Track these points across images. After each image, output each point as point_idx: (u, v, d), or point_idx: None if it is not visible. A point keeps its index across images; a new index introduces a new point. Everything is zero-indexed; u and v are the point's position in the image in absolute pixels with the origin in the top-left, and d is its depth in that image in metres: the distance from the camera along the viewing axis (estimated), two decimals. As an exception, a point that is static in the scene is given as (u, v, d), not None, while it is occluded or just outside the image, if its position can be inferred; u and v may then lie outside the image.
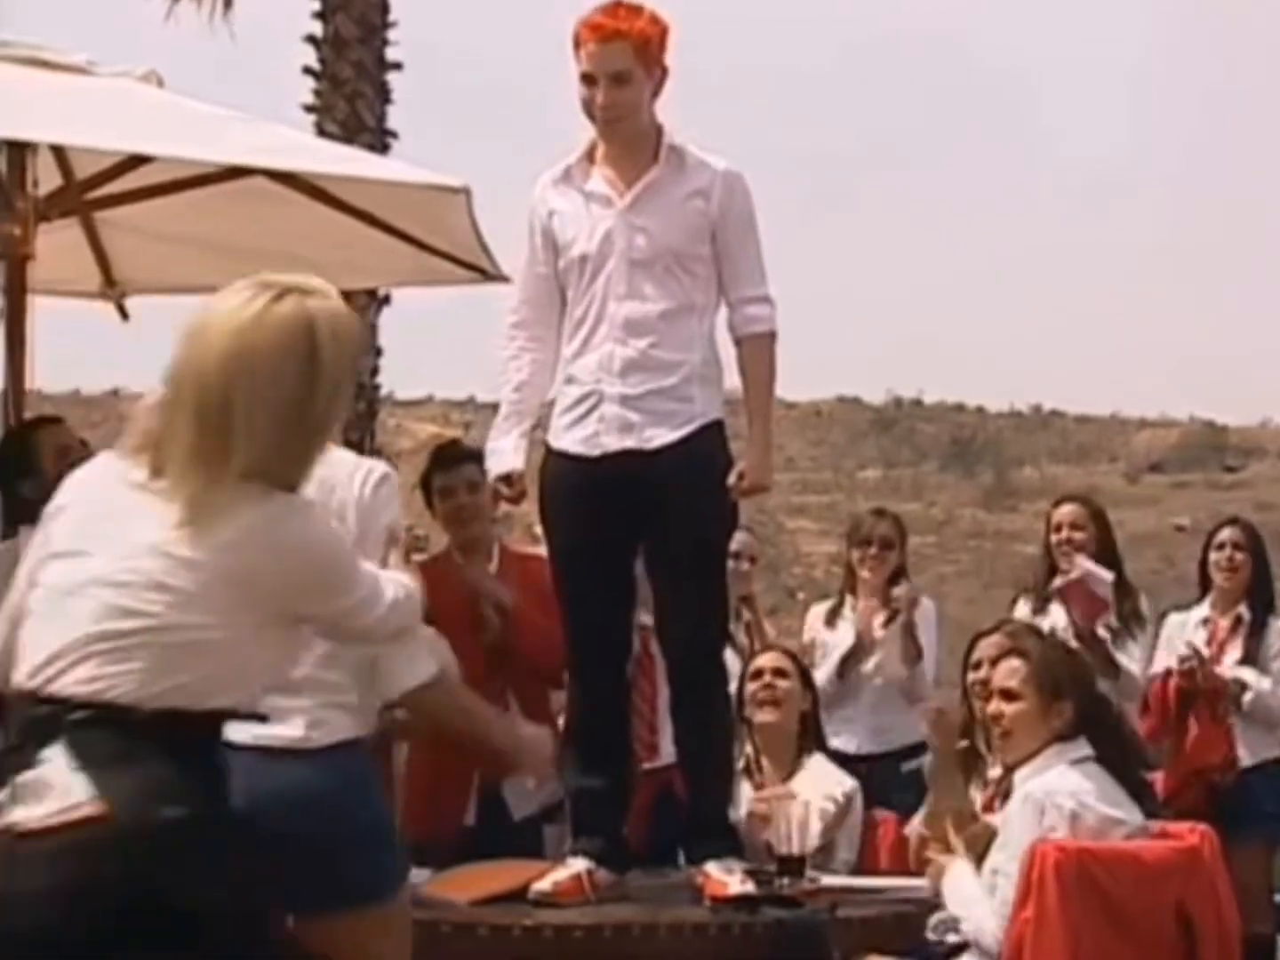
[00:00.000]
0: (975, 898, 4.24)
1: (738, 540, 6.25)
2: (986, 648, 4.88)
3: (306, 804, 3.13)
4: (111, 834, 2.60)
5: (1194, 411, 34.88)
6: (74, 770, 2.65)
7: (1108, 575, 6.01)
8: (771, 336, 4.44)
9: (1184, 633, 6.48)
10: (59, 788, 2.65)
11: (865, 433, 35.25)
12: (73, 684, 2.71)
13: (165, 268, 6.22)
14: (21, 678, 2.76)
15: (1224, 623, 6.42)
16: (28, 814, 2.64)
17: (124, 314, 6.37)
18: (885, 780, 5.82)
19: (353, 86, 11.72)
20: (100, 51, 5.53)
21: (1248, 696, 6.25)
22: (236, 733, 2.83)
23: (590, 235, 4.35)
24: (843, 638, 6.21)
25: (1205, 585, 6.49)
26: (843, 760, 5.65)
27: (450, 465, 5.24)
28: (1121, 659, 5.93)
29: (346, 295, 10.42)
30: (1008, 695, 4.31)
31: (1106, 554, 6.20)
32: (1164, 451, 33.18)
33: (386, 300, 11.56)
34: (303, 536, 2.83)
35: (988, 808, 4.62)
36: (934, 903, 4.37)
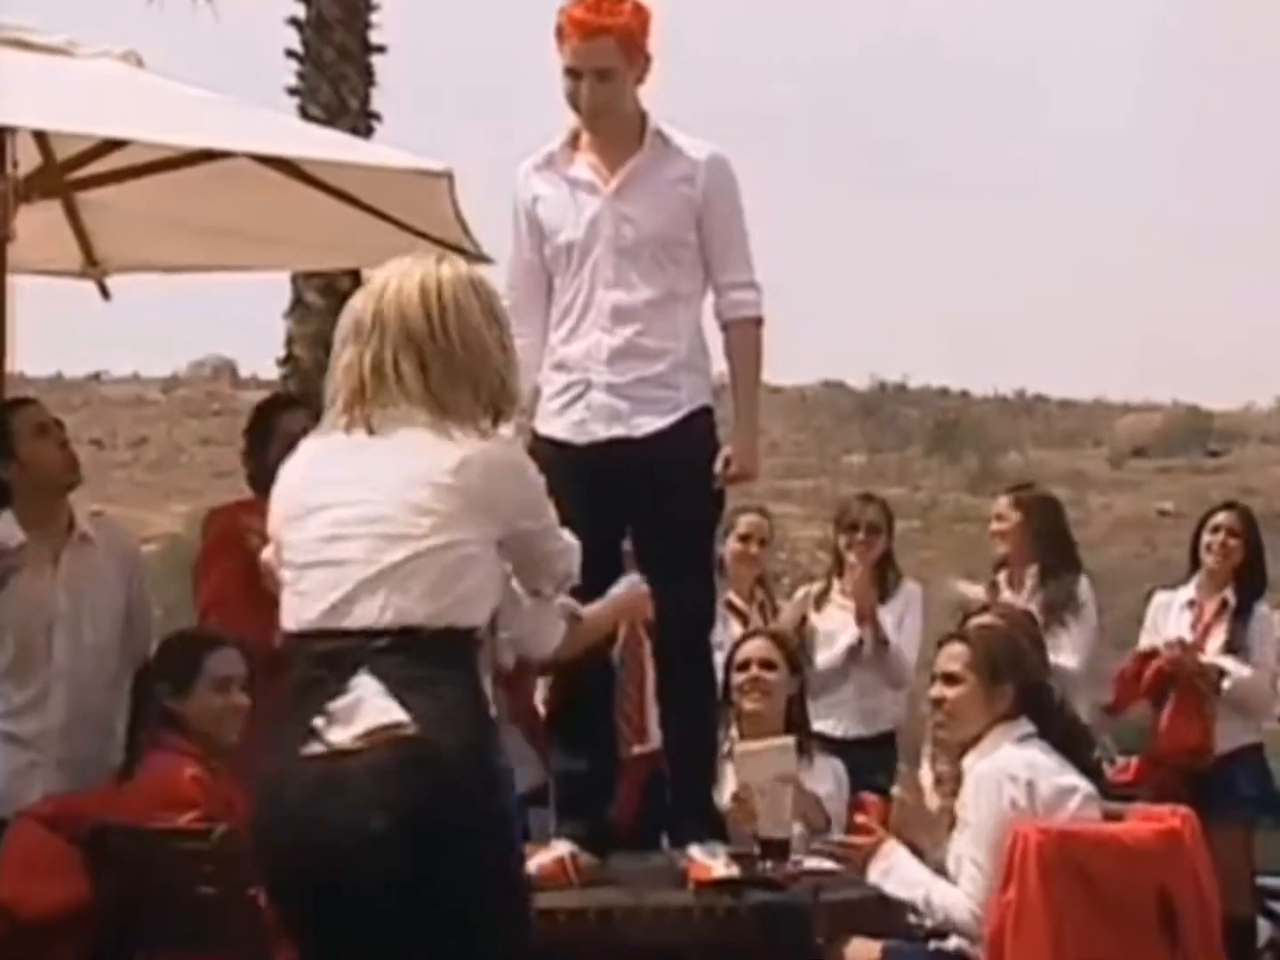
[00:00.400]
0: (924, 879, 4.25)
1: (746, 522, 6.26)
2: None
3: None
4: (422, 750, 2.92)
5: (1177, 396, 34.96)
6: (381, 695, 2.95)
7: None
8: (757, 322, 4.43)
9: (1169, 614, 6.50)
10: (369, 711, 2.94)
11: (850, 417, 35.27)
12: (366, 616, 3.01)
13: (147, 247, 6.20)
14: (313, 618, 3.05)
15: (1210, 606, 6.43)
16: (342, 735, 2.95)
17: (105, 293, 6.36)
18: (871, 764, 5.83)
19: (336, 69, 11.69)
20: (81, 32, 5.50)
21: (1226, 683, 6.27)
22: None
23: (576, 222, 4.34)
24: (830, 622, 6.21)
25: (1195, 566, 6.50)
26: (830, 744, 5.66)
27: None
28: (1052, 656, 5.64)
29: (326, 275, 10.38)
30: (949, 679, 4.36)
31: (1046, 541, 6.18)
32: (1148, 436, 33.23)
33: (370, 283, 11.54)
34: (523, 458, 3.26)
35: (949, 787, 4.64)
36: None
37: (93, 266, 6.27)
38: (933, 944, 4.37)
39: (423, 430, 3.09)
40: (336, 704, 2.98)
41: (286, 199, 5.64)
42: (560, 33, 4.27)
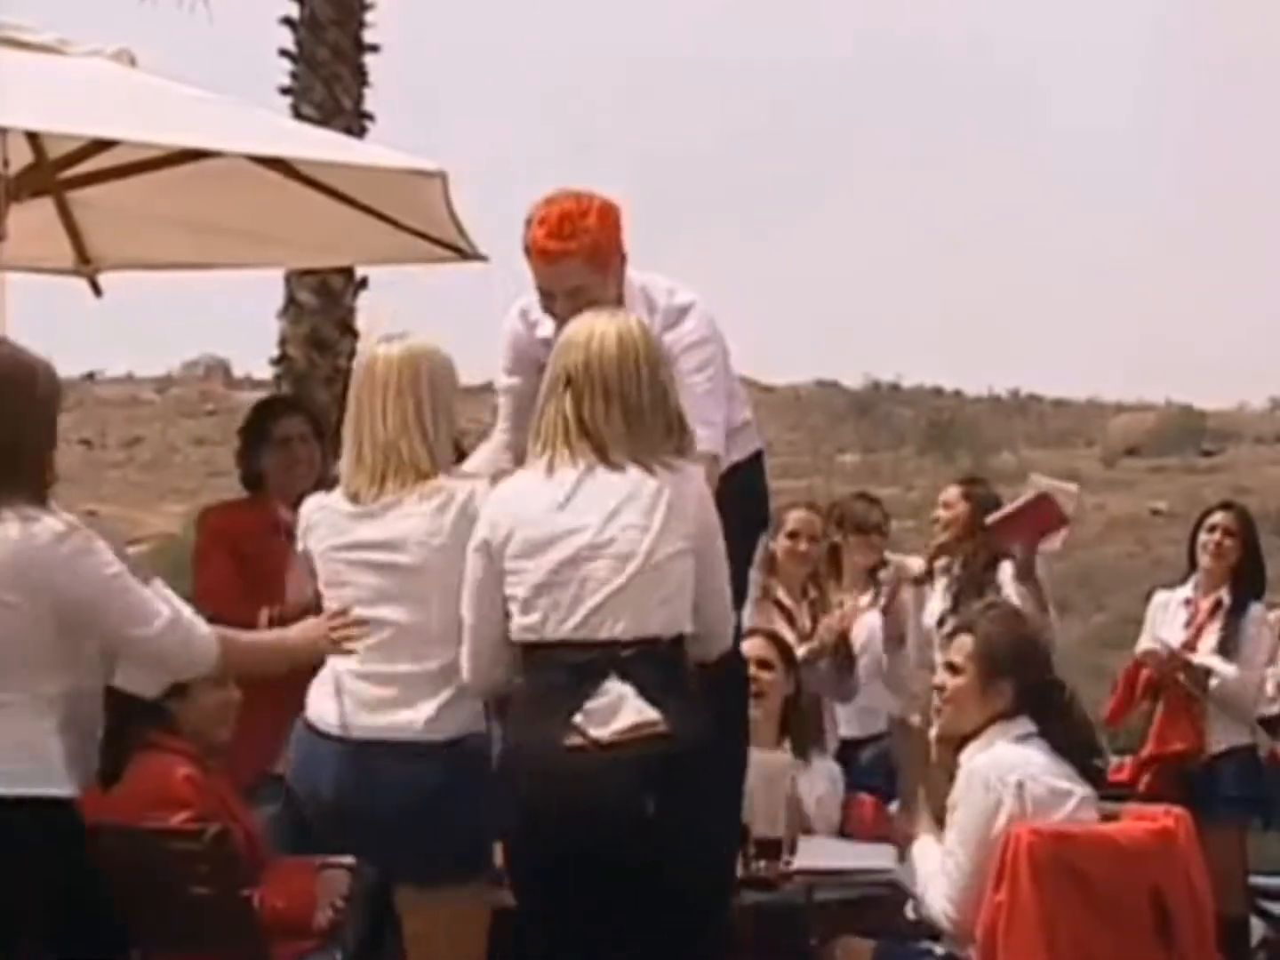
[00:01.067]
0: (931, 873, 4.25)
1: (795, 519, 6.23)
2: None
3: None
4: (674, 745, 3.52)
5: (1171, 396, 34.96)
6: (633, 697, 3.53)
7: (1070, 487, 6.08)
8: (714, 458, 4.22)
9: (1166, 613, 6.51)
10: (627, 711, 3.52)
11: (843, 417, 35.27)
12: (613, 629, 3.56)
13: (139, 245, 6.19)
14: (561, 633, 3.58)
15: (1205, 605, 6.44)
16: (603, 731, 3.51)
17: (97, 290, 6.34)
18: (867, 763, 5.83)
19: (329, 69, 11.66)
20: (75, 31, 5.49)
21: (1214, 683, 6.26)
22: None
23: None
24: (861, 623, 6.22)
25: (1193, 566, 6.51)
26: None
27: None
28: None
29: (319, 275, 10.36)
30: (952, 669, 4.37)
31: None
32: (1141, 436, 33.25)
33: (364, 284, 11.53)
34: (705, 487, 3.81)
35: None
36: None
37: (85, 264, 6.25)
38: (925, 943, 4.37)
39: (630, 467, 3.65)
40: (593, 704, 3.52)
41: (279, 197, 5.63)
42: (528, 252, 4.19)
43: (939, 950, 4.29)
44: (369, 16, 11.95)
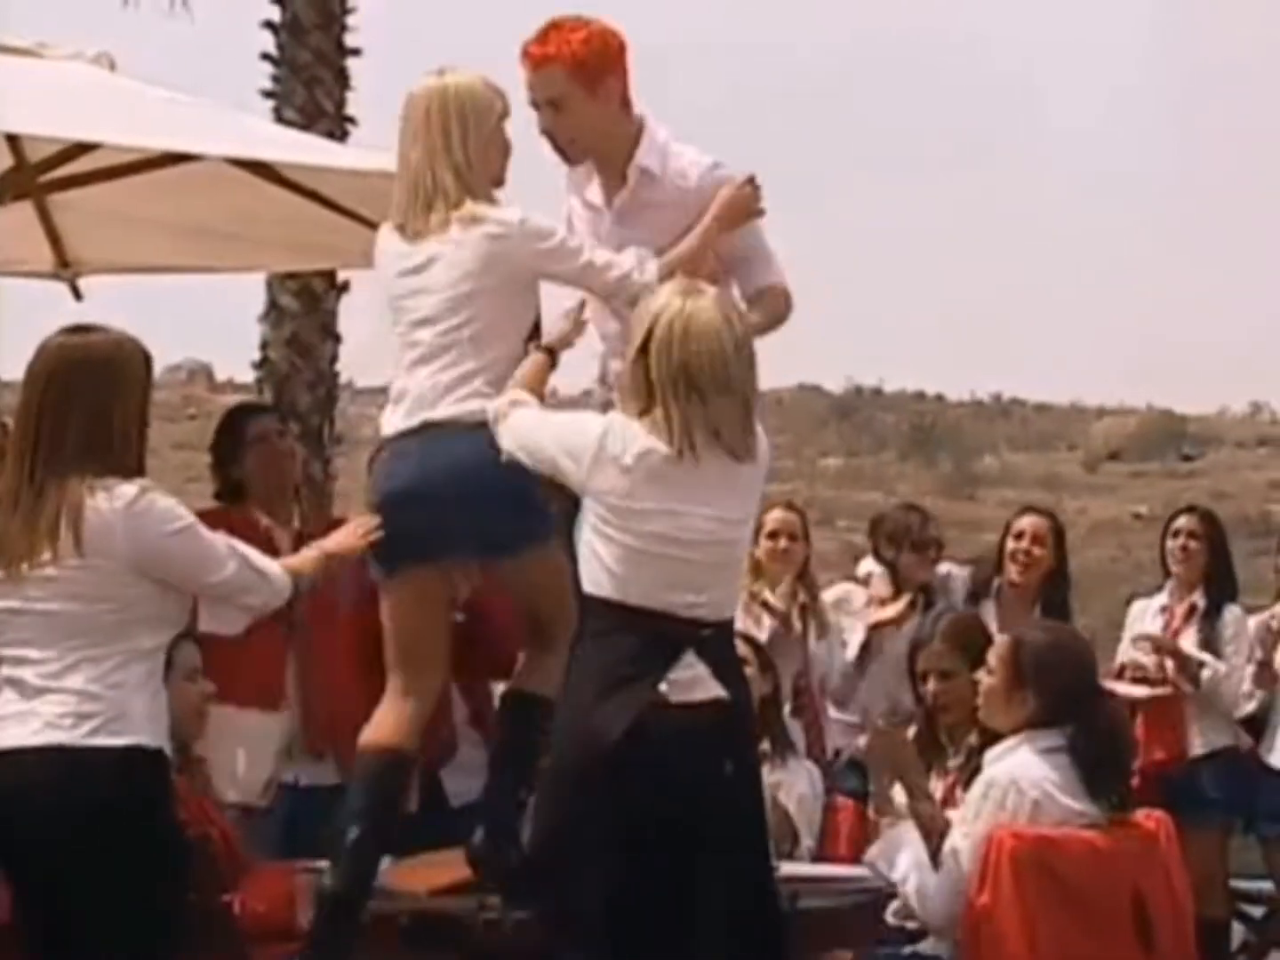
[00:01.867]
0: (919, 862, 4.25)
1: (774, 519, 6.22)
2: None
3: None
4: (739, 721, 3.83)
5: (1152, 400, 35.01)
6: (709, 675, 3.75)
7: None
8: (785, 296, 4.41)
9: (1144, 620, 6.52)
10: (705, 686, 3.74)
11: (825, 421, 35.28)
12: (698, 608, 3.75)
13: (119, 248, 6.17)
14: (652, 601, 3.73)
15: (1180, 610, 6.45)
16: (683, 697, 3.71)
17: (78, 294, 6.33)
18: (848, 767, 5.84)
19: (311, 72, 11.63)
20: (55, 34, 5.47)
21: (1205, 674, 6.27)
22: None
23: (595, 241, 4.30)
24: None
25: (1167, 572, 6.52)
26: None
27: None
28: None
29: (301, 279, 10.33)
30: (988, 668, 4.40)
31: (1060, 569, 6.22)
32: (1122, 440, 33.29)
33: (345, 287, 11.51)
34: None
35: (948, 797, 4.64)
36: (892, 891, 4.37)
37: (65, 268, 6.24)
38: (908, 949, 4.37)
39: (733, 456, 3.77)
40: (676, 675, 3.71)
41: (260, 200, 5.62)
42: (522, 66, 4.25)
43: (925, 952, 4.29)
44: (351, 20, 11.93)
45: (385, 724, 4.14)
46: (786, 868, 4.51)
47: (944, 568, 6.39)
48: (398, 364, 4.19)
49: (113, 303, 6.51)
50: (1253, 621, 6.43)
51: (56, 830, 3.51)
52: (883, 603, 6.23)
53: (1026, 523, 6.33)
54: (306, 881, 4.19)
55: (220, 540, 3.72)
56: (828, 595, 6.43)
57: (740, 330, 3.81)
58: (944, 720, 4.82)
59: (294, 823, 5.08)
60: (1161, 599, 6.53)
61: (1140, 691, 6.26)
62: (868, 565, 6.39)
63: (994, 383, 37.27)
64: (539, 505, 4.09)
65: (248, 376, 11.99)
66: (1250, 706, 6.39)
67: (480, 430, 3.97)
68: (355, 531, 4.06)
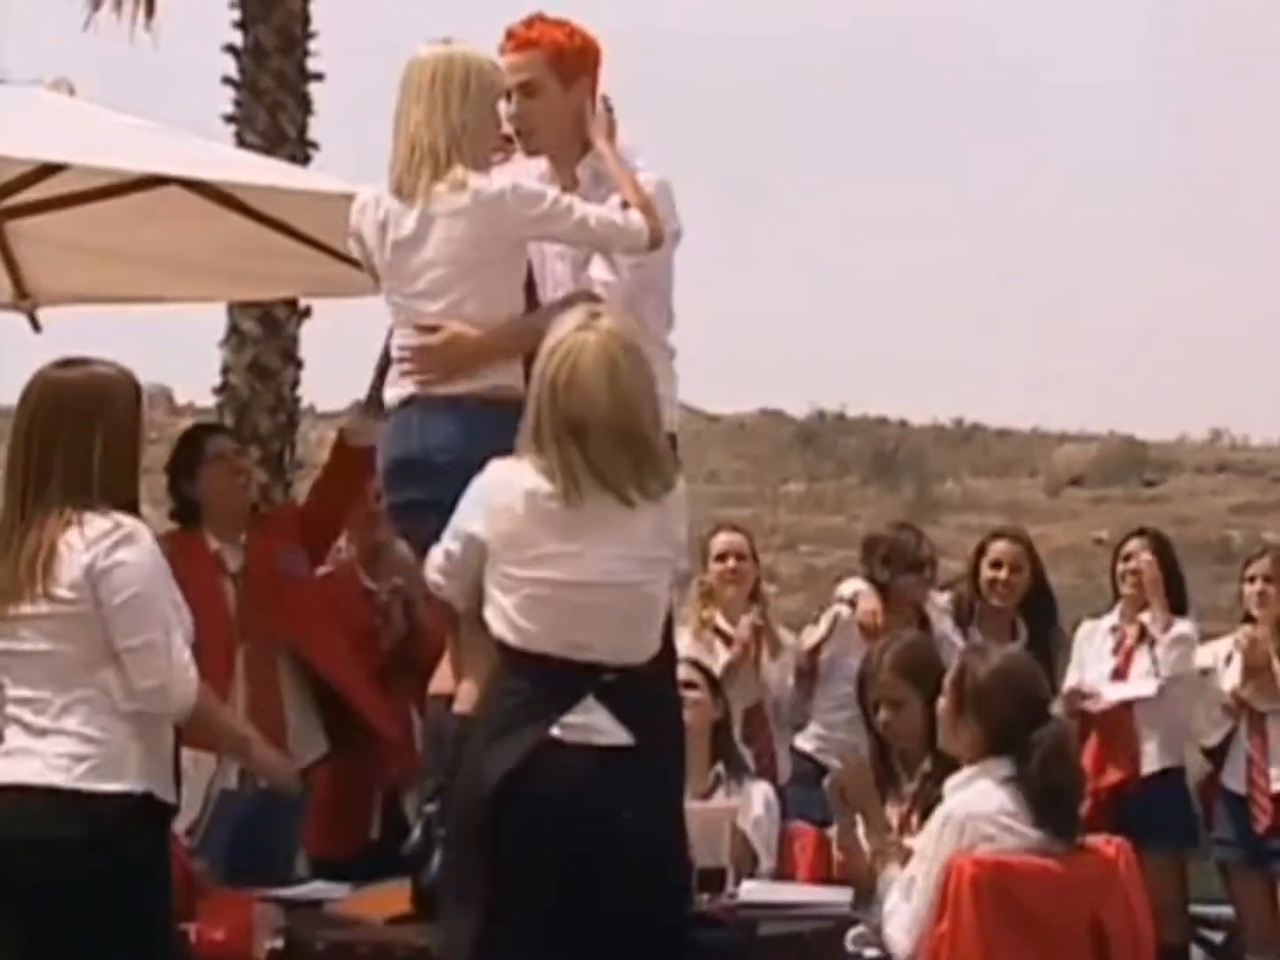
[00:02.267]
0: (896, 909, 4.24)
1: (721, 542, 6.22)
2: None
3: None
4: (638, 760, 3.66)
5: (1113, 426, 35.18)
6: (609, 719, 3.65)
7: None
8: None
9: (1092, 642, 6.57)
10: (600, 733, 3.64)
11: (789, 446, 35.34)
12: (599, 652, 3.67)
13: (78, 278, 6.14)
14: (551, 646, 3.66)
15: (1130, 631, 6.49)
16: (576, 740, 3.62)
17: (36, 326, 6.29)
18: (805, 795, 5.83)
19: (273, 97, 11.65)
20: (15, 59, 5.45)
21: (1139, 705, 6.32)
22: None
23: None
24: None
25: (1116, 595, 6.57)
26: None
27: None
28: None
29: (263, 304, 10.30)
30: (944, 694, 4.38)
31: (1039, 587, 6.28)
32: (1084, 466, 33.43)
33: (307, 313, 11.50)
34: (685, 507, 3.90)
35: (904, 824, 4.64)
36: (852, 917, 4.37)
37: (23, 299, 6.21)
38: (867, 976, 4.36)
39: (635, 496, 3.69)
40: (570, 719, 3.63)
41: (220, 229, 5.60)
42: (500, 51, 4.30)
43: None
44: (313, 45, 11.95)
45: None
46: (746, 893, 4.50)
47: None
48: (396, 326, 4.25)
49: (72, 324, 6.48)
50: (1226, 643, 6.43)
51: (46, 871, 3.48)
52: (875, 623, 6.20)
53: (1001, 550, 6.37)
54: (263, 911, 4.16)
55: (167, 617, 3.62)
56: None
57: (629, 371, 3.72)
58: (896, 748, 4.82)
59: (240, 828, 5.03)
60: (1110, 620, 6.58)
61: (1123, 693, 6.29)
62: (852, 585, 6.37)
63: (956, 408, 37.37)
64: None
65: (209, 401, 11.97)
66: (1216, 737, 6.41)
67: (486, 404, 4.07)
68: (287, 770, 4.10)
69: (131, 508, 3.64)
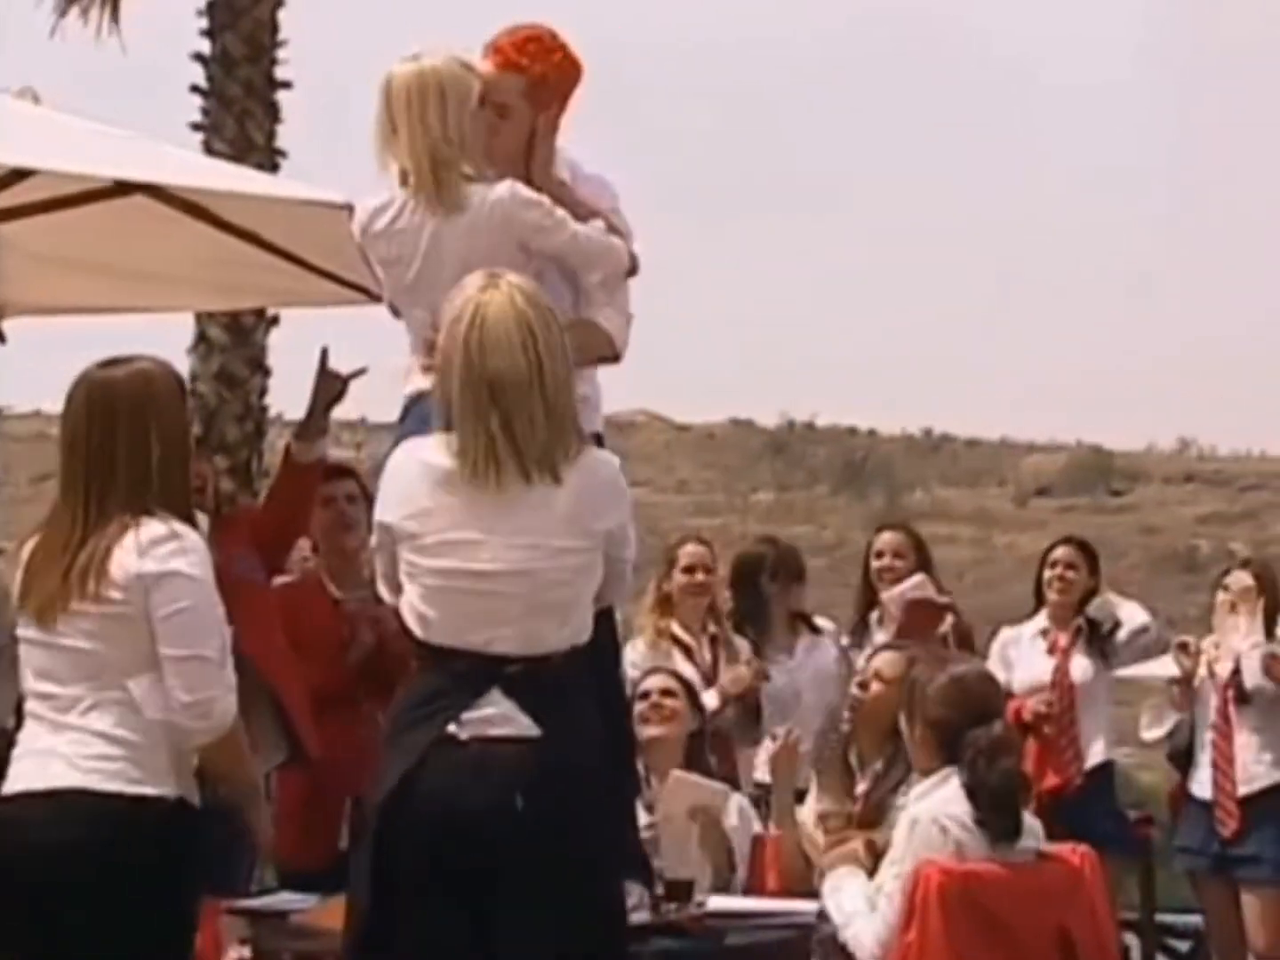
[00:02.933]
0: (857, 911, 4.24)
1: (688, 554, 6.24)
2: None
3: None
4: (547, 756, 3.45)
5: (1081, 436, 35.33)
6: (516, 712, 3.47)
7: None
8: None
9: (1018, 647, 6.65)
10: (503, 725, 3.45)
11: (758, 456, 35.40)
12: (504, 644, 3.48)
13: (44, 289, 6.10)
14: (453, 639, 3.49)
15: (1064, 636, 6.56)
16: (476, 733, 3.45)
17: (1, 337, 6.25)
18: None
19: (241, 105, 11.63)
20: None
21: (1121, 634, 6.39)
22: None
23: None
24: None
25: (1040, 601, 6.63)
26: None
27: (331, 478, 5.42)
28: None
29: (230, 312, 10.23)
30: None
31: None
32: (1052, 476, 33.57)
33: (275, 321, 11.47)
34: (618, 478, 3.70)
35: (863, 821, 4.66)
36: (818, 926, 4.36)
37: (-13, 311, 6.16)
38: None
39: (539, 474, 3.49)
40: (470, 715, 3.46)
41: (187, 238, 5.57)
42: (485, 51, 4.28)
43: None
44: (281, 53, 11.94)
45: None
46: (714, 903, 4.50)
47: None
48: (417, 336, 4.19)
49: (39, 334, 6.45)
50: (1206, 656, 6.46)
51: (64, 874, 3.42)
52: None
53: (884, 541, 6.47)
54: (229, 922, 4.14)
55: (221, 634, 3.57)
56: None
57: (541, 326, 3.51)
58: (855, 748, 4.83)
59: None
60: (1038, 624, 6.65)
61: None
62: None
63: (925, 418, 37.49)
64: None
65: (176, 410, 11.92)
66: (1159, 731, 6.47)
67: None
68: (269, 830, 3.93)
69: (188, 517, 3.60)
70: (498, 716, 3.46)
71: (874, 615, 6.45)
